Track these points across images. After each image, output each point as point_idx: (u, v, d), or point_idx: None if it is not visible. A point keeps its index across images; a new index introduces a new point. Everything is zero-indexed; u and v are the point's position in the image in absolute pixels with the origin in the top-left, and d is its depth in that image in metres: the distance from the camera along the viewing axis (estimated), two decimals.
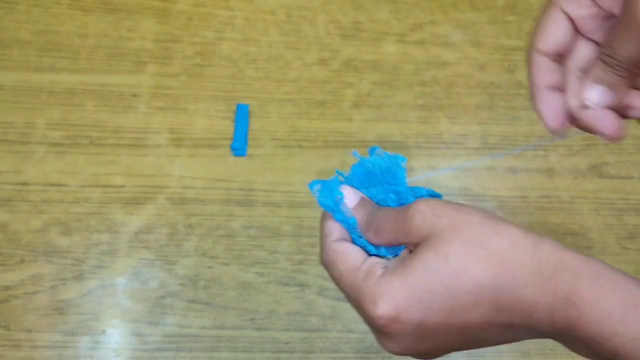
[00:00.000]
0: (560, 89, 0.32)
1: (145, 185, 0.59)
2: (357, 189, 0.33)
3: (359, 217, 0.32)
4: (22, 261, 0.55)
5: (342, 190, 0.33)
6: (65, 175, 0.59)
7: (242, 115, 0.64)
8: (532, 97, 0.34)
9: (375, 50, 0.70)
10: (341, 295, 0.57)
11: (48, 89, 0.63)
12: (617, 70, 0.30)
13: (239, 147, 0.62)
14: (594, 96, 0.31)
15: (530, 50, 0.32)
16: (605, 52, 0.30)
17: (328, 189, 0.33)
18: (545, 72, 0.32)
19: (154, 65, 0.66)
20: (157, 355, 0.53)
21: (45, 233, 0.56)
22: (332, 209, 0.33)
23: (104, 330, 0.53)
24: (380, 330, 0.29)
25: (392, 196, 0.33)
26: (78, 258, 0.56)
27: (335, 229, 0.33)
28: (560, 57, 0.32)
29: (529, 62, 0.32)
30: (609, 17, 0.32)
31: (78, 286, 0.54)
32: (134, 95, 0.64)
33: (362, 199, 0.33)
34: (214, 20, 0.70)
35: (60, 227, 0.57)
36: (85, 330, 0.53)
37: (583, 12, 0.31)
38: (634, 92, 0.32)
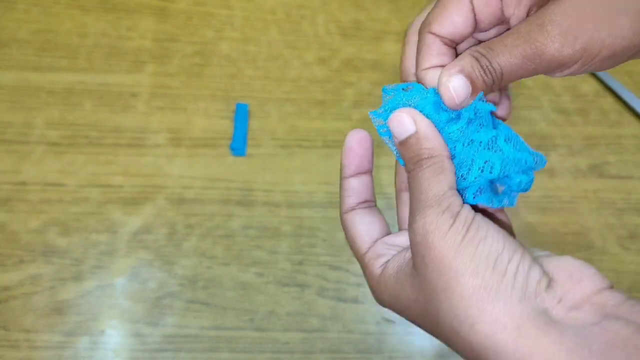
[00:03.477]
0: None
1: (144, 185, 0.59)
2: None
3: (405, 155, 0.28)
4: (21, 261, 0.55)
5: (396, 114, 0.28)
6: (63, 175, 0.59)
7: (241, 114, 0.64)
8: (404, 73, 0.32)
9: (376, 50, 0.70)
10: (341, 296, 0.57)
11: (47, 88, 0.63)
12: (487, 75, 0.27)
13: (238, 146, 0.62)
14: (457, 83, 0.27)
15: (423, 29, 0.30)
16: (481, 51, 0.28)
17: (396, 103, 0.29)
18: (434, 55, 0.30)
19: (153, 65, 0.66)
20: (156, 356, 0.52)
21: (44, 233, 0.56)
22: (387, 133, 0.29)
23: (103, 331, 0.53)
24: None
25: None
26: (77, 258, 0.55)
27: (348, 192, 0.31)
28: (452, 42, 0.30)
29: (419, 41, 0.30)
30: (506, 23, 0.30)
31: (77, 286, 0.54)
32: (133, 95, 0.64)
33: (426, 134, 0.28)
34: (213, 20, 0.70)
35: (59, 227, 0.57)
36: (84, 330, 0.53)
37: (486, 9, 0.29)
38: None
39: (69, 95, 0.63)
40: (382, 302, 0.29)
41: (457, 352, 0.25)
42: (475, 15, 0.29)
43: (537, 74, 0.27)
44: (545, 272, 0.24)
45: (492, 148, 0.28)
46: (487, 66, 0.27)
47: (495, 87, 0.28)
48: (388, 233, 0.32)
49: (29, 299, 0.53)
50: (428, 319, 0.25)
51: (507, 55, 0.27)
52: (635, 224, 0.62)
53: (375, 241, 0.31)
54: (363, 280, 0.48)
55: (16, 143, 0.60)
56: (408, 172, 0.28)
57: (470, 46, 0.30)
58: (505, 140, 0.28)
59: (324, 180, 0.61)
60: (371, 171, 0.32)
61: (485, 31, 0.30)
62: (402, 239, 0.30)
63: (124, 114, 0.63)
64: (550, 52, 0.26)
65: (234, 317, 0.54)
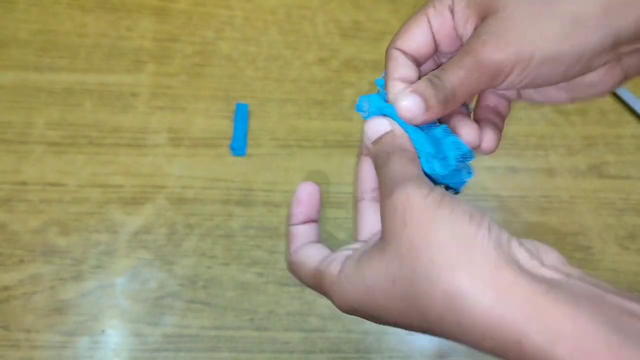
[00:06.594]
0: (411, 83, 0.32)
1: (144, 185, 0.59)
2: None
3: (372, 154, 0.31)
4: (21, 261, 0.55)
5: (374, 119, 0.31)
6: (63, 174, 0.59)
7: (241, 114, 0.64)
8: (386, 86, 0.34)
9: (375, 50, 0.70)
10: None
11: (47, 88, 0.63)
12: (439, 94, 0.29)
13: (238, 146, 0.62)
14: (409, 103, 0.30)
15: (389, 46, 0.33)
16: (434, 72, 0.30)
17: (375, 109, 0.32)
18: (401, 66, 0.32)
19: (153, 65, 0.66)
20: (156, 356, 0.52)
21: (44, 233, 0.56)
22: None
23: (103, 331, 0.53)
24: None
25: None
26: (77, 258, 0.56)
27: (296, 237, 0.33)
28: (417, 60, 0.32)
29: (386, 56, 0.33)
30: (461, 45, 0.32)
31: (77, 286, 0.54)
32: (133, 95, 0.64)
33: (390, 133, 0.31)
34: (214, 20, 0.70)
35: (59, 227, 0.57)
36: (85, 330, 0.53)
37: (442, 30, 0.31)
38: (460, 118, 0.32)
39: (68, 95, 0.63)
40: (344, 299, 0.30)
41: (430, 313, 0.25)
42: (434, 35, 0.32)
43: (486, 87, 0.29)
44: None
45: (449, 134, 0.31)
46: (439, 85, 0.29)
47: (452, 105, 0.30)
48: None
49: (29, 298, 0.53)
50: (400, 282, 0.26)
51: (455, 69, 0.29)
52: (635, 224, 0.62)
53: (327, 256, 0.31)
54: None
55: (16, 143, 0.60)
56: (379, 166, 0.30)
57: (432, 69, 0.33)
58: (444, 130, 0.32)
59: (323, 180, 0.61)
60: (318, 220, 0.34)
61: (448, 53, 0.33)
62: (357, 245, 0.31)
63: (124, 114, 0.63)
64: (486, 57, 0.28)
65: (234, 317, 0.54)
